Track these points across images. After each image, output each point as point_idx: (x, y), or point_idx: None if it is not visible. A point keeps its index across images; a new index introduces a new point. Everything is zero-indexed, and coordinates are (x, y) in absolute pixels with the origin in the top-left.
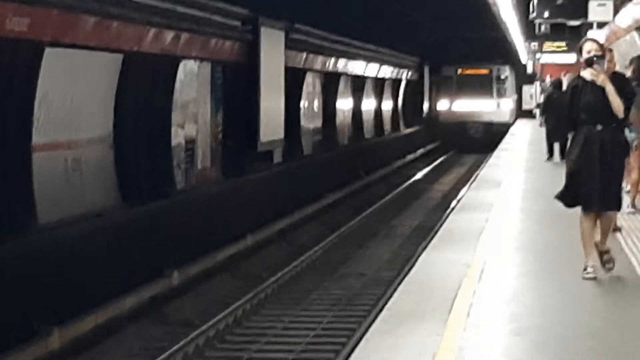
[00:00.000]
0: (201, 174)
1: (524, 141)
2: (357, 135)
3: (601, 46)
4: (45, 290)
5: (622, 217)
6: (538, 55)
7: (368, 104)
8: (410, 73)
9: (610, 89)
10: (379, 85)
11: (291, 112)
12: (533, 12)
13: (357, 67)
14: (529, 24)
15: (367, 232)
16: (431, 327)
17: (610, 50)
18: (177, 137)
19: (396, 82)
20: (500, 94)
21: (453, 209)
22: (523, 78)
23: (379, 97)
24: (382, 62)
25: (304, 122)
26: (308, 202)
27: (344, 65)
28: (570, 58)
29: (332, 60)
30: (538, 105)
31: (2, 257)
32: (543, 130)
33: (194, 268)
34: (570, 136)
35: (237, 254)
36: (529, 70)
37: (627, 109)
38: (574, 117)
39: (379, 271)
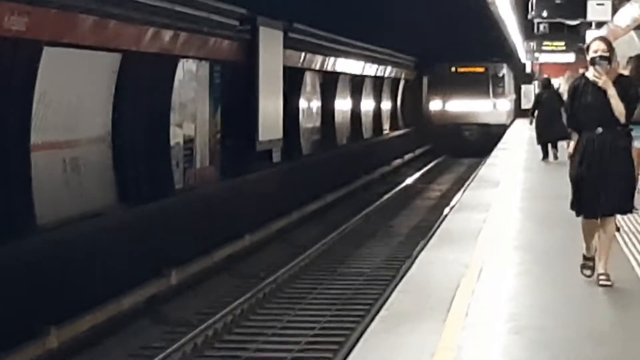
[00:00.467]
0: (200, 173)
1: (522, 140)
2: (357, 135)
3: (610, 46)
4: (45, 290)
5: (622, 217)
6: (537, 54)
7: (367, 104)
8: (407, 72)
9: (612, 92)
10: (378, 84)
11: (290, 111)
12: (532, 11)
13: (355, 66)
14: (528, 23)
15: (367, 232)
16: (430, 326)
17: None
18: (176, 136)
19: (395, 82)
20: (497, 93)
21: (452, 208)
22: (522, 77)
23: (378, 97)
24: (381, 61)
25: (302, 122)
26: (307, 202)
27: (342, 64)
28: (569, 57)
29: (331, 59)
30: None
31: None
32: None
33: (193, 268)
34: (573, 139)
35: (235, 254)
36: (528, 69)
37: (629, 114)
38: (574, 118)
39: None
